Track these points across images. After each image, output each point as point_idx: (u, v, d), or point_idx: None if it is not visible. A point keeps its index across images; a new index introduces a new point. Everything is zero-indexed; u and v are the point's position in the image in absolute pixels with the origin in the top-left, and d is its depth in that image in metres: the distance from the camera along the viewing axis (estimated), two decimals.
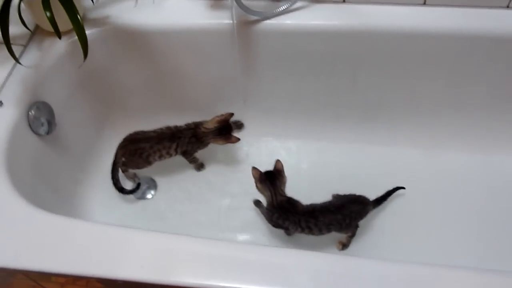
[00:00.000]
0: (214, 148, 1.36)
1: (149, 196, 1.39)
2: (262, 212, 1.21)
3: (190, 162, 1.40)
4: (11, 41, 1.01)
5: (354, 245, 1.23)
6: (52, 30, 1.01)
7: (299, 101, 1.39)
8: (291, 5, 1.20)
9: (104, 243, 0.86)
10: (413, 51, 1.24)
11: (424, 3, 1.22)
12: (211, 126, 1.25)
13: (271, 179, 1.12)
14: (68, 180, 1.28)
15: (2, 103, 1.08)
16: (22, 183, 1.02)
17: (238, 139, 1.25)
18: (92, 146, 1.41)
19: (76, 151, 1.31)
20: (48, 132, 1.14)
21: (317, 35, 1.21)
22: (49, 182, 1.18)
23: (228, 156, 1.44)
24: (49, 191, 1.17)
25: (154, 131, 1.29)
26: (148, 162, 1.32)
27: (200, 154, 1.39)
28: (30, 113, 1.09)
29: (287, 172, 1.18)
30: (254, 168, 1.14)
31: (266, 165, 1.20)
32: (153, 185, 1.42)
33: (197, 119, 1.32)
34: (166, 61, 1.31)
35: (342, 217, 1.10)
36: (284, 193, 1.14)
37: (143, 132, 1.30)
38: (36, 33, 1.21)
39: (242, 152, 1.45)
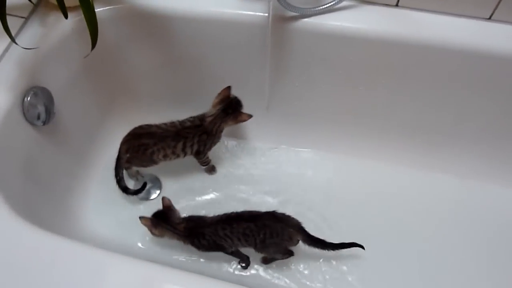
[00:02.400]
0: (228, 151, 1.33)
1: (153, 196, 1.30)
2: (202, 251, 1.13)
3: (202, 164, 1.28)
4: (9, 12, 0.90)
5: None
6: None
7: (329, 111, 1.30)
8: (336, 4, 1.07)
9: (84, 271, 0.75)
10: (468, 72, 1.10)
11: (490, 18, 1.08)
12: (213, 110, 1.17)
13: (164, 219, 1.08)
14: (64, 177, 1.19)
15: None
16: (9, 180, 0.92)
17: (250, 116, 1.16)
18: (93, 139, 1.31)
19: (75, 144, 1.22)
20: (45, 122, 1.04)
21: (362, 41, 1.10)
22: (42, 178, 1.08)
23: (243, 160, 1.37)
24: (42, 189, 1.07)
25: (158, 127, 1.18)
26: (153, 161, 1.20)
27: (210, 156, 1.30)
28: (25, 99, 0.99)
29: (305, 184, 1.24)
30: (142, 218, 1.08)
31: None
32: (157, 185, 1.32)
33: None
34: (184, 49, 1.22)
35: (256, 228, 1.04)
36: (181, 219, 1.09)
37: (147, 126, 1.19)
38: (39, 5, 1.09)
39: (255, 158, 1.38)
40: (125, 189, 1.22)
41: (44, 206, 1.05)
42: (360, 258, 1.16)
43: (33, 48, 0.98)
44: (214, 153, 1.29)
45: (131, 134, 1.20)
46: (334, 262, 1.17)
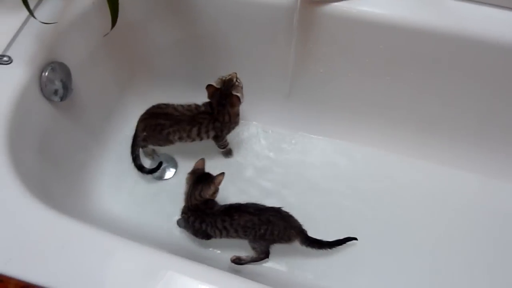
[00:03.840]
0: (245, 135, 1.33)
1: (167, 176, 1.28)
2: (186, 228, 1.14)
3: (220, 146, 1.27)
4: None
5: None
6: None
7: (352, 100, 1.26)
8: None
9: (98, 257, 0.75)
10: (505, 68, 1.04)
11: None
12: (214, 105, 1.13)
13: (197, 181, 1.05)
14: (79, 154, 1.18)
15: (11, 60, 0.94)
16: (25, 158, 0.90)
17: (238, 98, 1.10)
18: (110, 116, 1.29)
19: (91, 121, 1.21)
20: (62, 98, 1.02)
21: (393, 29, 1.05)
22: (57, 156, 1.06)
23: (260, 146, 1.35)
24: (57, 166, 1.06)
25: (175, 108, 1.16)
26: (169, 141, 1.19)
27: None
28: (43, 74, 0.96)
29: (324, 173, 1.24)
30: (200, 160, 1.09)
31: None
32: (172, 164, 1.30)
33: None
34: (207, 27, 1.19)
35: (259, 222, 1.03)
36: (202, 199, 1.06)
37: (165, 106, 1.17)
38: None
39: (273, 143, 1.35)
40: (140, 168, 1.21)
41: (59, 184, 1.04)
42: (356, 249, 1.13)
43: (52, 23, 0.96)
44: (230, 136, 1.27)
45: (148, 113, 1.18)
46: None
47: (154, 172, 1.22)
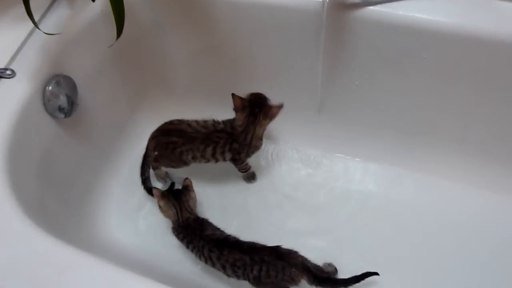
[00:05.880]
0: (270, 158, 1.36)
1: None
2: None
3: (240, 170, 1.30)
4: None
5: None
6: None
7: (393, 117, 1.28)
8: None
9: None
10: None
11: None
12: (241, 118, 1.16)
13: (175, 195, 1.16)
14: (84, 176, 1.23)
15: (14, 73, 1.01)
16: (24, 179, 0.96)
17: (281, 106, 1.15)
18: (119, 134, 1.36)
19: (98, 140, 1.27)
20: (67, 114, 1.08)
21: (439, 36, 1.07)
22: (60, 177, 1.12)
23: (287, 170, 1.38)
24: (59, 189, 1.11)
25: (189, 124, 1.20)
26: (182, 162, 1.23)
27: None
28: (46, 88, 1.03)
29: (357, 200, 1.26)
30: (155, 188, 1.18)
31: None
32: None
33: None
34: (226, 35, 1.24)
35: (250, 262, 1.04)
36: (193, 211, 1.17)
37: (178, 122, 1.21)
38: None
39: (301, 167, 1.38)
40: (150, 191, 1.25)
41: (61, 208, 1.09)
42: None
43: (56, 34, 1.01)
44: (253, 158, 1.30)
45: (160, 129, 1.22)
46: None
47: None
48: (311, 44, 1.14)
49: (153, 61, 1.32)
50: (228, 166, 1.27)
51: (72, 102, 1.08)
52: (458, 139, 1.26)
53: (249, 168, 1.31)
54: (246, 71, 1.30)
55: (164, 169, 1.30)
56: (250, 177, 1.34)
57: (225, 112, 1.18)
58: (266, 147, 1.32)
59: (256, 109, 1.15)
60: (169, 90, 1.40)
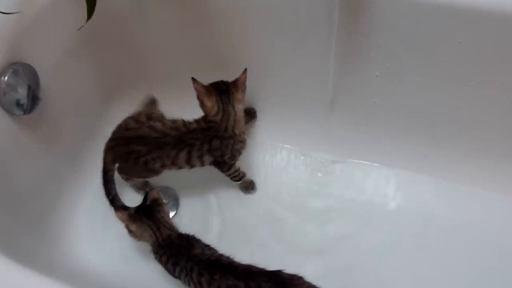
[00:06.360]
0: (272, 163, 1.36)
1: None
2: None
3: (232, 178, 1.29)
4: None
5: None
6: None
7: (421, 114, 1.28)
8: None
9: None
10: None
11: None
12: (211, 103, 1.16)
13: (147, 213, 1.14)
14: (48, 186, 1.23)
15: None
16: None
17: (244, 70, 1.18)
18: (91, 134, 1.34)
19: (65, 141, 1.26)
20: (26, 111, 1.07)
21: (480, 17, 1.05)
22: (19, 188, 1.12)
23: (292, 177, 1.38)
24: (18, 203, 1.11)
25: (152, 127, 1.18)
26: (151, 171, 1.22)
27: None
28: (2, 79, 1.02)
29: (376, 212, 1.27)
30: (118, 211, 1.15)
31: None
32: (171, 200, 1.35)
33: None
34: (219, 19, 1.24)
35: None
36: (173, 226, 1.16)
37: (136, 125, 1.19)
38: None
39: (309, 174, 1.38)
40: (120, 207, 1.21)
41: (19, 226, 1.08)
42: None
43: (14, 13, 1.00)
44: (252, 163, 1.29)
45: (115, 138, 1.21)
46: None
47: None
48: (322, 25, 1.13)
49: (132, 46, 1.32)
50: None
51: (33, 96, 1.08)
52: (500, 145, 1.26)
53: (243, 176, 1.30)
54: (240, 60, 1.28)
55: (138, 179, 1.30)
56: (248, 186, 1.34)
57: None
58: (267, 150, 1.31)
59: (223, 86, 1.16)
60: (148, 83, 1.40)
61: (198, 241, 1.14)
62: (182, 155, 1.16)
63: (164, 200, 1.27)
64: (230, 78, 1.30)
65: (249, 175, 1.33)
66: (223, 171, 1.26)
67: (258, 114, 1.38)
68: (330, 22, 1.11)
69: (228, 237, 1.28)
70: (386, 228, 1.29)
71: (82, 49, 1.23)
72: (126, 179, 1.28)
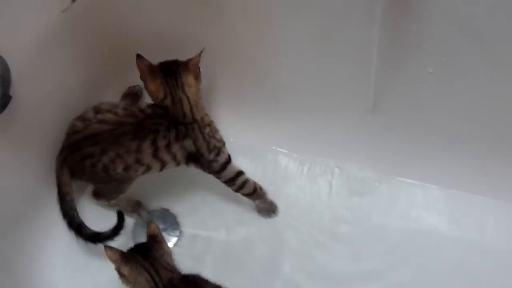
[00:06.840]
0: (297, 178, 1.37)
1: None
2: None
3: (239, 189, 1.28)
4: None
5: None
6: None
7: (480, 121, 1.28)
8: None
9: None
10: None
11: None
12: (155, 87, 1.19)
13: (143, 254, 1.10)
14: (19, 204, 1.23)
15: None
16: None
17: (200, 51, 1.21)
18: None
19: (41, 148, 1.25)
20: None
21: None
22: None
23: (322, 196, 1.38)
24: None
25: (103, 121, 1.17)
26: (118, 180, 1.21)
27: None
28: None
29: (420, 237, 1.30)
30: (108, 248, 1.11)
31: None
32: (172, 225, 1.35)
33: None
34: (238, 13, 1.26)
35: None
36: (175, 268, 1.13)
37: (82, 124, 1.18)
38: None
39: (342, 194, 1.39)
40: (91, 237, 1.21)
41: None
42: None
43: None
44: (270, 177, 1.29)
45: (65, 146, 1.20)
46: None
47: (118, 232, 1.23)
48: (362, 8, 1.14)
49: (119, 36, 1.33)
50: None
51: (2, 93, 1.06)
52: None
53: (255, 189, 1.29)
54: (253, 52, 1.31)
55: (124, 196, 1.28)
56: (269, 208, 1.32)
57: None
58: (292, 162, 1.30)
59: (172, 67, 1.20)
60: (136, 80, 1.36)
61: (206, 282, 1.12)
62: (146, 147, 1.15)
63: (161, 226, 1.27)
64: (236, 74, 1.33)
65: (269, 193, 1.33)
66: (215, 173, 1.24)
67: (278, 121, 1.36)
68: (373, 3, 1.11)
69: (235, 272, 1.29)
70: (436, 262, 1.29)
71: (64, 38, 1.23)
72: (108, 203, 1.27)
